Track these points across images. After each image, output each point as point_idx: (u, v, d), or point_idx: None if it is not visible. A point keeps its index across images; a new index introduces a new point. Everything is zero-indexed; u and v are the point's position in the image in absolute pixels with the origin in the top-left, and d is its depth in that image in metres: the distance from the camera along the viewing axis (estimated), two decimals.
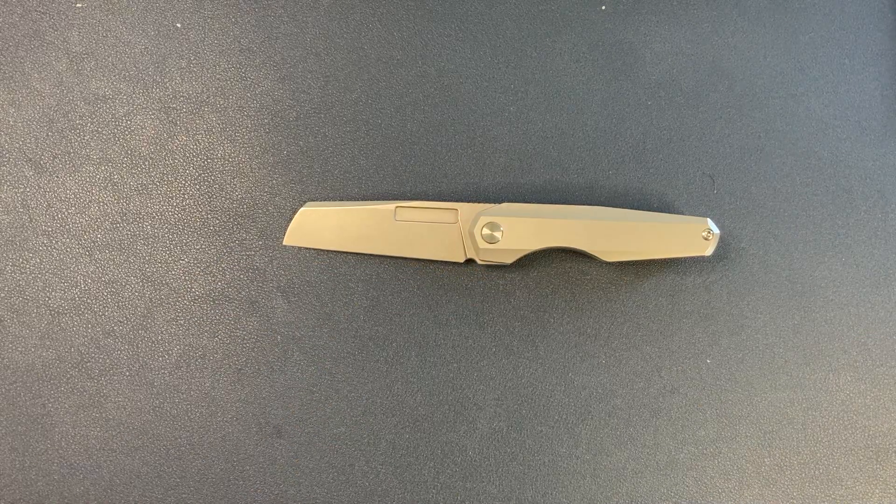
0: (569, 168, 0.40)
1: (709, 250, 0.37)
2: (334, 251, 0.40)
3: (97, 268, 0.40)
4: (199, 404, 0.39)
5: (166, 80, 0.40)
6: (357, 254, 0.40)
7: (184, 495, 0.39)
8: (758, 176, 0.40)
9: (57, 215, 0.40)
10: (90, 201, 0.40)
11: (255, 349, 0.39)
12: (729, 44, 0.41)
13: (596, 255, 0.38)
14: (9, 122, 0.40)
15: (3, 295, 0.40)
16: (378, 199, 0.40)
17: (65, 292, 0.40)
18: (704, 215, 0.40)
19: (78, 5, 0.41)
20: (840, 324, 0.40)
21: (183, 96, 0.40)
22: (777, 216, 0.40)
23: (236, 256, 0.40)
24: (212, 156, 0.40)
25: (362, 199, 0.40)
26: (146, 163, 0.40)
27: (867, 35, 0.41)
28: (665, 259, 0.39)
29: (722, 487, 0.39)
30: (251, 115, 0.40)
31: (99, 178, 0.40)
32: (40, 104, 0.40)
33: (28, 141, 0.40)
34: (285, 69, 0.41)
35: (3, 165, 0.40)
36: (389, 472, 0.39)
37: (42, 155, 0.40)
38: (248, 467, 0.39)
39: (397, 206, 0.39)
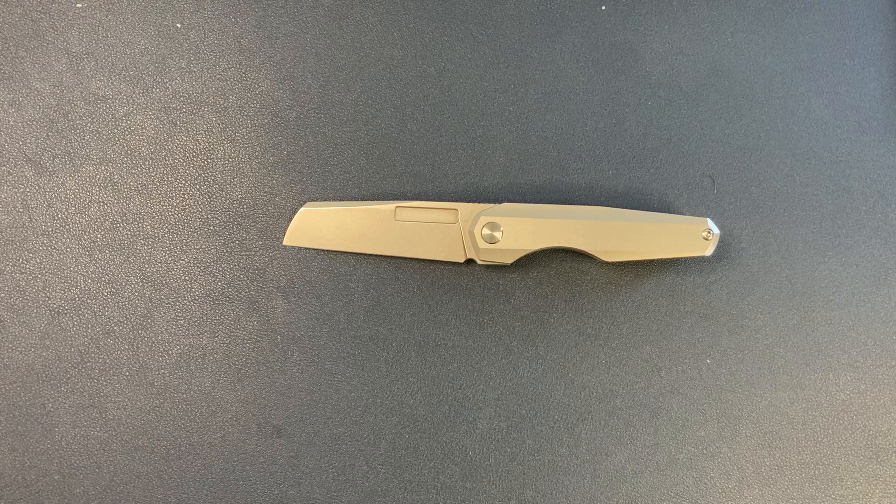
0: (569, 168, 0.40)
1: (709, 250, 0.37)
2: (334, 251, 0.40)
3: (97, 268, 0.40)
4: (199, 404, 0.39)
5: (166, 80, 0.40)
6: (357, 254, 0.40)
7: (184, 495, 0.39)
8: (758, 176, 0.40)
9: (57, 215, 0.40)
10: (90, 201, 0.40)
11: (255, 349, 0.39)
12: (729, 44, 0.41)
13: (596, 255, 0.38)
14: (9, 122, 0.40)
15: (3, 295, 0.40)
16: (378, 199, 0.40)
17: (65, 292, 0.40)
18: (704, 215, 0.40)
19: (78, 5, 0.41)
20: (840, 324, 0.40)
21: (183, 96, 0.40)
22: (777, 216, 0.40)
23: (236, 256, 0.40)
24: (212, 156, 0.40)
25: (362, 199, 0.40)
26: (146, 163, 0.40)
27: (867, 35, 0.41)
28: (665, 259, 0.39)
29: (722, 487, 0.39)
30: (251, 115, 0.40)
31: (99, 178, 0.40)
32: (40, 104, 0.40)
33: (28, 141, 0.40)
34: (285, 69, 0.41)
35: (3, 165, 0.40)
36: (389, 472, 0.39)
37: (42, 155, 0.40)
38: (248, 467, 0.39)
39: (397, 206, 0.39)
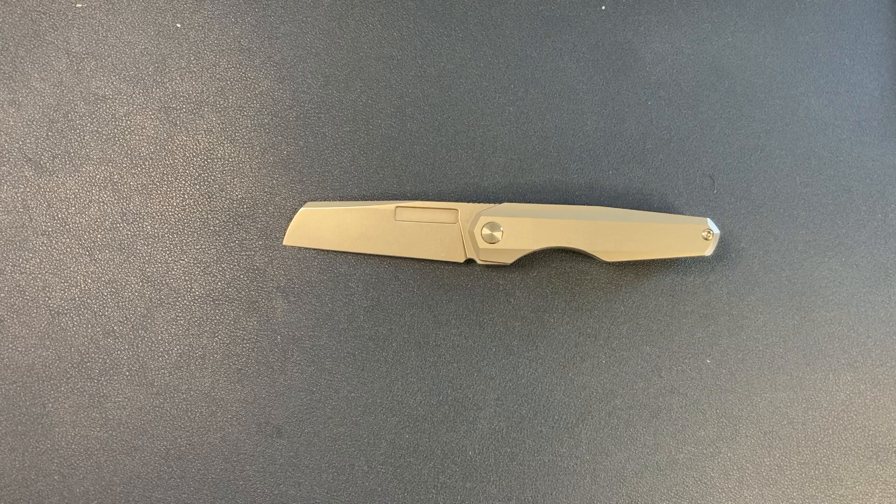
0: (569, 168, 0.40)
1: (709, 250, 0.37)
2: (334, 251, 0.40)
3: (97, 268, 0.40)
4: (199, 404, 0.39)
5: (166, 80, 0.40)
6: (357, 254, 0.40)
7: (184, 495, 0.39)
8: (758, 176, 0.40)
9: (57, 215, 0.40)
10: (90, 201, 0.40)
11: (255, 349, 0.39)
12: (729, 44, 0.41)
13: (596, 255, 0.38)
14: (9, 122, 0.40)
15: (3, 295, 0.40)
16: (378, 199, 0.40)
17: (65, 292, 0.40)
18: (704, 215, 0.40)
19: (78, 5, 0.41)
20: (840, 324, 0.40)
21: (183, 96, 0.40)
22: (777, 216, 0.40)
23: (236, 256, 0.40)
24: (212, 156, 0.40)
25: (362, 199, 0.40)
26: (146, 163, 0.40)
27: (867, 35, 0.41)
28: (665, 259, 0.39)
29: (722, 487, 0.39)
30: (251, 115, 0.40)
31: (99, 178, 0.40)
32: (40, 104, 0.40)
33: (28, 141, 0.40)
34: (285, 69, 0.41)
35: (3, 165, 0.40)
36: (389, 472, 0.39)
37: (42, 155, 0.40)
38: (248, 467, 0.39)
39: (397, 206, 0.39)
